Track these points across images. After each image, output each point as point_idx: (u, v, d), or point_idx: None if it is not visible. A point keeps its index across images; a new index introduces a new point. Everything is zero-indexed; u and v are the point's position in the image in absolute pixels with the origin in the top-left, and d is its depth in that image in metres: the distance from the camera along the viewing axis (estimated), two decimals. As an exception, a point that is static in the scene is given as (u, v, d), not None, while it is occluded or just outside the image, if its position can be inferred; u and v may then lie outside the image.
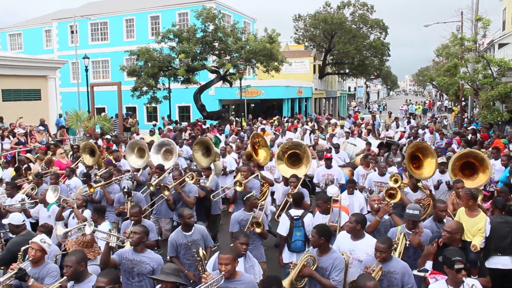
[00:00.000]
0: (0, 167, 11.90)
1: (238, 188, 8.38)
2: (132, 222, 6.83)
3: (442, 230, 5.62)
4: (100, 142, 16.85)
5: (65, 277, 5.00)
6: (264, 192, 9.54)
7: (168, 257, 9.06)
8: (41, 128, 18.93)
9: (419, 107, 49.98)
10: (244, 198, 7.07)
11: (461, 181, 7.73)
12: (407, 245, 5.91)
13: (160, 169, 9.75)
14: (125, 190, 8.70)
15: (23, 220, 6.86)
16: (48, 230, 6.54)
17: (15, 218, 6.77)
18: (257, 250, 6.86)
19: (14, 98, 24.18)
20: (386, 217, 6.84)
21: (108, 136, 17.05)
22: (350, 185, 8.83)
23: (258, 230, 6.77)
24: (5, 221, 6.86)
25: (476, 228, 6.29)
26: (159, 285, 4.92)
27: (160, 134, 18.76)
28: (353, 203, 8.58)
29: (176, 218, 8.61)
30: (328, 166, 10.42)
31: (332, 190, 7.57)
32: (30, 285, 5.13)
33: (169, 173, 9.77)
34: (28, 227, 7.27)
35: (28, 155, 13.54)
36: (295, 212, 7.18)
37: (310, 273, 5.43)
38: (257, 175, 9.33)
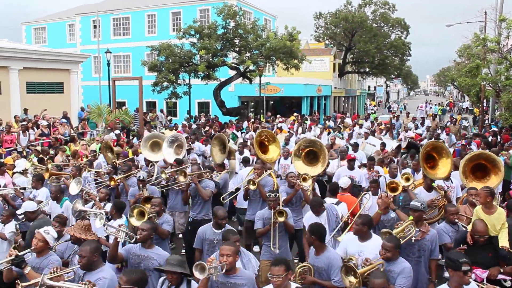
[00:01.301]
0: (28, 158, 12.21)
1: (252, 187, 8.33)
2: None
3: (474, 232, 5.76)
4: (121, 135, 17.20)
5: (77, 266, 5.10)
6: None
7: (182, 251, 9.29)
8: (63, 120, 19.30)
9: (441, 108, 49.16)
10: (268, 198, 7.02)
11: (475, 188, 7.53)
12: (413, 240, 5.96)
13: (178, 162, 9.85)
14: (140, 178, 8.80)
15: (36, 206, 7.16)
16: (63, 221, 6.63)
17: (30, 205, 7.04)
18: (283, 249, 6.93)
19: (38, 90, 24.68)
20: (393, 214, 6.93)
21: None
22: (373, 185, 8.55)
23: (281, 219, 6.74)
24: (20, 211, 7.03)
25: (498, 222, 6.28)
26: (164, 277, 4.98)
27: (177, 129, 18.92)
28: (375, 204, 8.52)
29: (192, 214, 8.61)
30: (351, 167, 10.35)
31: (344, 180, 8.41)
32: (26, 273, 5.16)
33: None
34: None
35: (38, 148, 13.75)
36: (330, 200, 7.76)
37: (313, 281, 5.52)
38: (270, 172, 9.23)
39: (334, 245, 6.88)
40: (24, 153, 13.91)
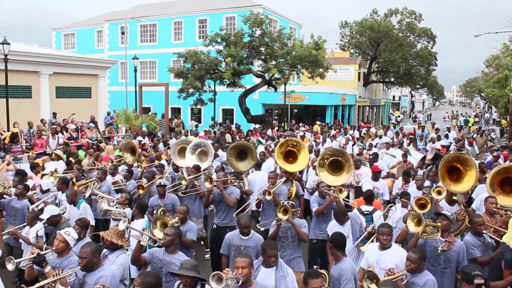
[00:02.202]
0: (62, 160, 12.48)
1: (268, 197, 8.15)
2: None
3: None
4: (146, 140, 17.40)
5: (78, 267, 5.14)
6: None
7: (206, 256, 9.31)
8: (91, 125, 19.64)
9: (472, 120, 47.63)
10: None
11: (494, 197, 7.35)
12: (439, 250, 5.88)
13: (196, 169, 9.81)
14: (160, 184, 8.69)
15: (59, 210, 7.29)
16: (84, 225, 6.66)
17: (53, 209, 7.17)
18: (294, 261, 6.83)
19: (66, 95, 25.23)
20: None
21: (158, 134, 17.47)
22: (404, 198, 8.32)
23: (284, 217, 6.61)
24: (44, 216, 7.09)
25: None
26: (179, 281, 5.00)
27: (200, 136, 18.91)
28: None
29: (216, 220, 8.55)
30: (376, 178, 10.20)
31: (367, 186, 8.72)
32: (46, 272, 5.27)
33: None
34: None
35: (58, 151, 13.91)
36: (366, 208, 7.87)
37: None
38: (290, 180, 9.04)
39: (358, 254, 6.88)
40: (54, 156, 14.18)
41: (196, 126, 27.31)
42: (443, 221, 6.06)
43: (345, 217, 7.19)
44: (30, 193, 8.72)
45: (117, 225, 6.22)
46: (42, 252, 5.49)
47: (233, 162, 10.48)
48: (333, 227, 7.20)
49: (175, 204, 8.55)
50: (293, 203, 7.27)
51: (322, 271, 5.31)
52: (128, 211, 7.83)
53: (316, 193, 8.57)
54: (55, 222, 7.07)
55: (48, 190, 9.44)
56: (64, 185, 8.95)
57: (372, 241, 6.68)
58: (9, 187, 9.24)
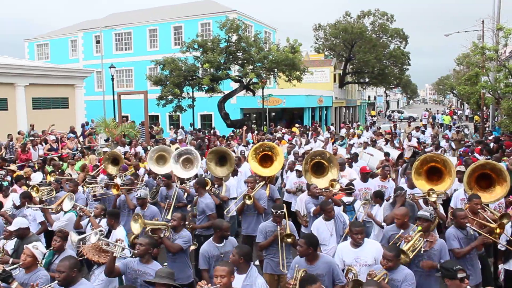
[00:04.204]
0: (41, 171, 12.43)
1: (248, 201, 8.22)
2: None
3: None
4: (127, 148, 17.39)
5: (55, 282, 4.98)
6: None
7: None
8: (71, 135, 19.55)
9: (447, 117, 48.40)
10: (274, 212, 6.91)
11: (478, 196, 7.27)
12: (421, 251, 5.86)
13: (167, 177, 9.73)
14: (139, 197, 8.47)
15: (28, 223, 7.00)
16: (64, 236, 6.40)
17: (22, 221, 6.86)
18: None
19: (43, 106, 25.00)
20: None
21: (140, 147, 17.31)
22: (377, 199, 8.47)
23: (289, 240, 6.71)
24: (12, 228, 6.79)
25: None
26: None
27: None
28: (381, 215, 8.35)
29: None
30: (365, 179, 10.06)
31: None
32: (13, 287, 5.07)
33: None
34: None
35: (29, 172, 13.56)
36: (347, 199, 8.56)
37: None
38: (265, 184, 9.10)
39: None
40: (36, 167, 14.12)
41: (182, 128, 27.42)
42: (423, 223, 6.05)
43: (331, 207, 7.23)
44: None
45: (100, 240, 6.15)
46: (8, 268, 5.37)
47: (212, 167, 10.41)
48: (318, 225, 7.24)
49: (155, 216, 8.17)
50: (284, 210, 7.07)
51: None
52: (104, 222, 7.54)
53: (303, 194, 8.79)
54: (23, 235, 6.75)
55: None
56: (27, 199, 8.59)
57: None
58: None
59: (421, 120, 46.21)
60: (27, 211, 8.42)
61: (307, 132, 23.87)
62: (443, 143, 18.42)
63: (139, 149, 16.86)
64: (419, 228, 5.99)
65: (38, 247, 5.56)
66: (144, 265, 5.62)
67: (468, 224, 6.37)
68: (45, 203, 9.09)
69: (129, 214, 8.92)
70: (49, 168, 13.24)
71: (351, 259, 5.98)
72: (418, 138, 20.90)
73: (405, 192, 7.84)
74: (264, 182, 9.13)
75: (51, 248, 6.30)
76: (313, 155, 9.50)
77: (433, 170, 8.26)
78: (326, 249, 7.03)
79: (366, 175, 10.12)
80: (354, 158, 13.08)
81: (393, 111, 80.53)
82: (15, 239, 6.87)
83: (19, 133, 18.90)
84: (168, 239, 6.69)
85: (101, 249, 6.01)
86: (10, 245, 6.87)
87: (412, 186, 8.77)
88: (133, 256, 5.83)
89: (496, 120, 29.52)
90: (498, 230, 6.31)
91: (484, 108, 29.13)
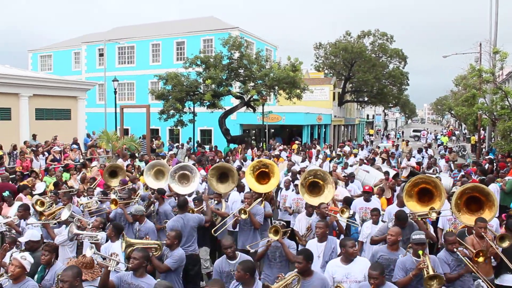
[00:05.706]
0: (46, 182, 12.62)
1: (243, 216, 8.24)
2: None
3: None
4: (128, 161, 17.59)
5: None
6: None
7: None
8: (74, 146, 19.80)
9: (445, 138, 48.78)
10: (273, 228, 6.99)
11: (484, 220, 7.14)
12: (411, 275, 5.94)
13: (159, 192, 9.77)
14: (129, 213, 8.61)
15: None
16: (52, 249, 6.39)
17: (34, 234, 6.88)
18: None
19: (46, 117, 25.27)
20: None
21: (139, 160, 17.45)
22: (374, 213, 8.61)
23: (275, 237, 6.82)
24: (23, 239, 6.82)
25: None
26: None
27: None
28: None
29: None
30: (367, 199, 9.93)
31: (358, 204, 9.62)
32: None
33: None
34: None
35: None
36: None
37: None
38: (261, 200, 9.18)
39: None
40: (39, 177, 14.36)
41: (188, 142, 27.73)
42: (423, 246, 6.17)
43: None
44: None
45: (84, 255, 6.13)
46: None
47: (213, 183, 10.42)
48: (310, 244, 7.27)
49: (149, 233, 8.11)
50: (284, 223, 7.35)
51: None
52: (103, 234, 7.46)
53: (301, 214, 8.99)
54: (34, 248, 6.72)
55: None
56: (27, 212, 8.62)
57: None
58: None
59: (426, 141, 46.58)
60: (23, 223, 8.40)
61: (305, 149, 24.15)
62: (442, 162, 18.62)
63: (140, 163, 17.04)
64: (421, 252, 6.08)
65: (26, 258, 5.56)
66: (138, 278, 5.63)
67: (455, 249, 6.45)
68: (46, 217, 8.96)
69: (128, 227, 8.97)
70: (49, 179, 13.46)
71: (342, 275, 6.08)
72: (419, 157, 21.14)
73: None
74: (260, 198, 9.25)
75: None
76: (308, 174, 9.50)
77: (424, 191, 8.33)
78: None
79: (368, 194, 10.01)
80: (350, 178, 13.21)
81: (392, 129, 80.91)
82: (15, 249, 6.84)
83: (24, 143, 19.14)
84: (163, 256, 6.78)
85: (85, 265, 6.00)
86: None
87: (401, 204, 8.79)
88: (128, 270, 5.89)
89: (492, 141, 29.89)
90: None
91: (481, 129, 29.50)
